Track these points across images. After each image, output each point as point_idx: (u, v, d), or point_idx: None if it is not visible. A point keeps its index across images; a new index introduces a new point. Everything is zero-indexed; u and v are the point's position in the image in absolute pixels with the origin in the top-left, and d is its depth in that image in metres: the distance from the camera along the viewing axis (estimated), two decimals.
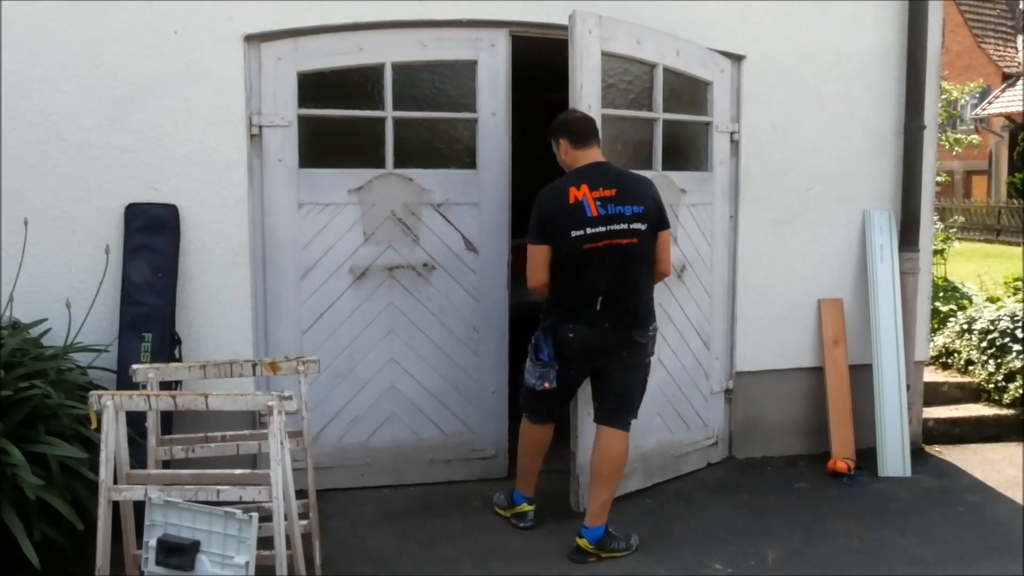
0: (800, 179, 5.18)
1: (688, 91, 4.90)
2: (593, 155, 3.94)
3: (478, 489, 4.71)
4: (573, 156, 3.95)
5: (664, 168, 4.71)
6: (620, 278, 3.84)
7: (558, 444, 4.37)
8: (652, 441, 4.73)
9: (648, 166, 4.65)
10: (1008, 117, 25.63)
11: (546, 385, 3.95)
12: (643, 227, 3.85)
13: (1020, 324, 6.10)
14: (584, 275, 3.82)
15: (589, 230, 3.78)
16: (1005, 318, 6.24)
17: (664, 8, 4.81)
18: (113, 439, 3.08)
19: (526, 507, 4.27)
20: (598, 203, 3.80)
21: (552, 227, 3.83)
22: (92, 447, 3.38)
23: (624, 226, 3.81)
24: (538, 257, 3.86)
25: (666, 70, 4.67)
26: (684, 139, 4.96)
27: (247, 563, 2.94)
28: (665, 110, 4.71)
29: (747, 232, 5.10)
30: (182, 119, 4.30)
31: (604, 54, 4.33)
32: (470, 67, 4.63)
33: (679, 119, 4.83)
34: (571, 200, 3.80)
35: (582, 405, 4.30)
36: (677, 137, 4.88)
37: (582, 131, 3.94)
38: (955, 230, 11.63)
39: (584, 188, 3.81)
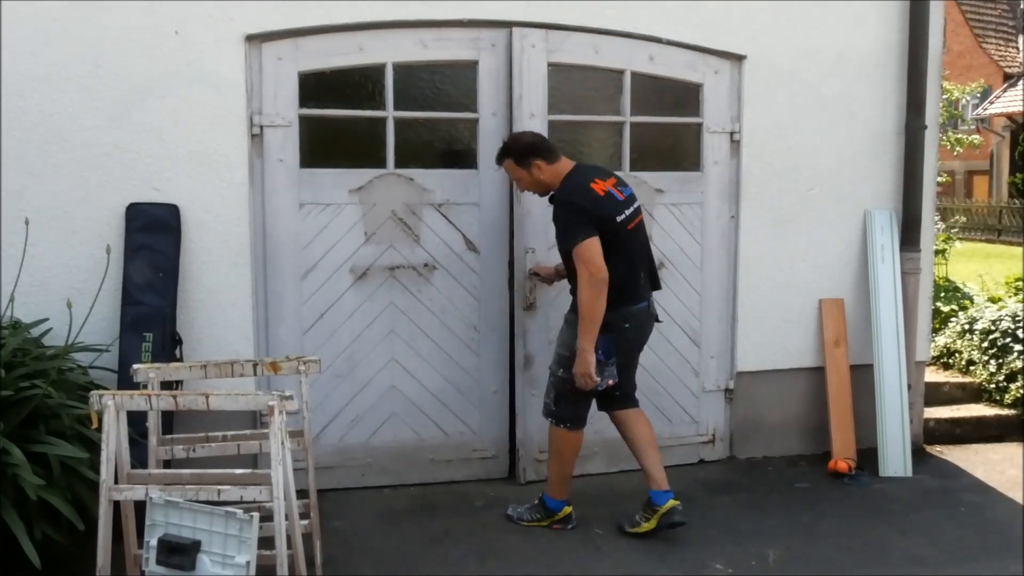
0: (801, 179, 5.17)
1: (673, 94, 4.97)
2: (567, 162, 4.12)
3: (479, 489, 4.71)
4: (551, 170, 4.06)
5: (638, 169, 4.87)
6: (647, 250, 4.20)
7: None
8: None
9: (617, 167, 4.80)
10: (1009, 117, 25.62)
11: (610, 382, 4.01)
12: (640, 204, 4.20)
13: (1021, 324, 6.09)
14: (630, 255, 4.01)
15: (626, 212, 4.01)
16: (1006, 318, 6.24)
17: (663, 9, 4.81)
18: (114, 439, 3.08)
19: (568, 509, 4.25)
20: (616, 188, 4.04)
21: (598, 215, 3.90)
22: (93, 447, 3.38)
23: (638, 204, 4.12)
24: (597, 248, 3.86)
25: (637, 75, 4.81)
26: (667, 140, 5.06)
27: (248, 563, 2.94)
28: (644, 113, 4.86)
29: (748, 232, 5.10)
30: (183, 119, 4.31)
31: (553, 65, 4.65)
32: (471, 67, 4.63)
33: (659, 121, 4.98)
34: (600, 192, 3.97)
35: (525, 386, 4.70)
36: (659, 138, 5.02)
37: (548, 146, 4.11)
38: (956, 230, 11.64)
39: (599, 181, 4.01)
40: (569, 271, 4.05)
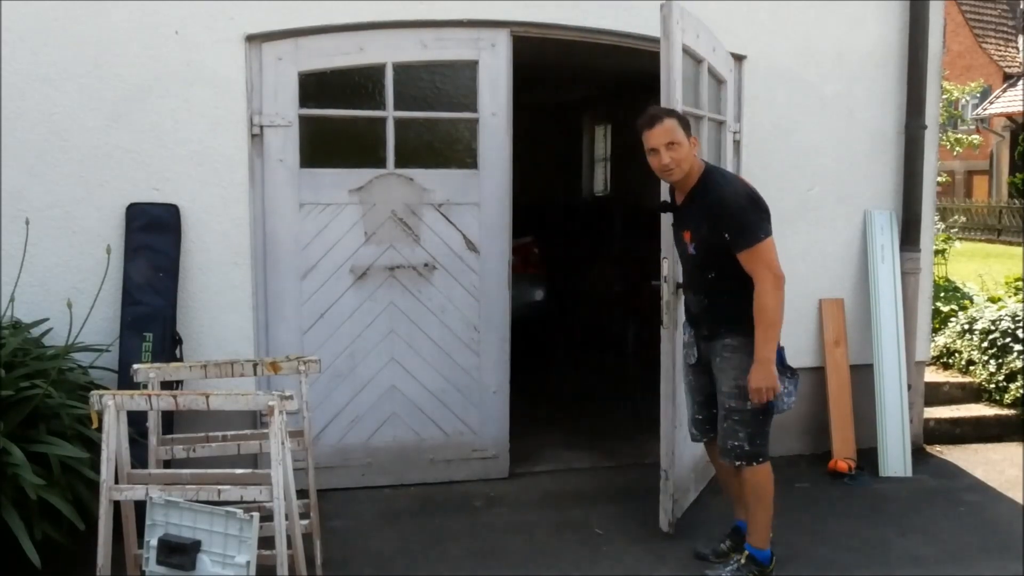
0: (801, 179, 5.17)
1: (710, 89, 4.79)
2: (700, 162, 3.65)
3: (479, 489, 4.71)
4: (695, 156, 3.59)
5: None
6: None
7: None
8: (699, 446, 4.19)
9: None
10: (1009, 117, 25.61)
11: (794, 400, 3.64)
12: None
13: (1021, 324, 6.09)
14: None
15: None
16: (1006, 318, 6.24)
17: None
18: (114, 439, 3.08)
19: (773, 558, 3.75)
20: None
21: (769, 214, 3.55)
22: (93, 447, 3.38)
23: None
24: (775, 248, 3.48)
25: (708, 67, 4.52)
26: (703, 138, 4.88)
27: (248, 563, 2.94)
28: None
29: None
30: (183, 119, 4.31)
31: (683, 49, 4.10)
32: (471, 67, 4.63)
33: (709, 116, 4.62)
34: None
35: (671, 418, 4.09)
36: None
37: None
38: (956, 230, 11.65)
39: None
40: (711, 281, 3.60)
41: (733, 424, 3.60)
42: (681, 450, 4.21)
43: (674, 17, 3.96)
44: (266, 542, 3.05)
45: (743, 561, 3.69)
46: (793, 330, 5.22)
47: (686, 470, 4.37)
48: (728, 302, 3.51)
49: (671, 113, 3.61)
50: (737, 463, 3.64)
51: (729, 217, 3.45)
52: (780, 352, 3.56)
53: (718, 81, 4.83)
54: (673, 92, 3.95)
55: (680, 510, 4.28)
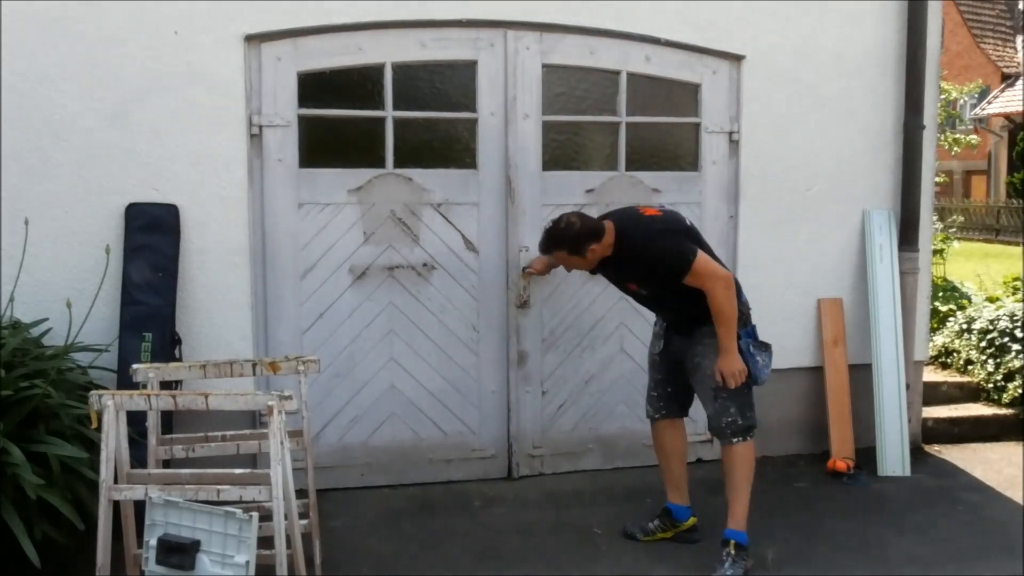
0: (800, 179, 5.18)
1: (671, 94, 4.98)
2: (609, 225, 3.87)
3: (478, 489, 4.71)
4: (603, 245, 3.83)
5: (635, 169, 4.90)
6: None
7: None
8: (615, 427, 5.00)
9: (613, 167, 4.85)
10: (1007, 117, 25.64)
11: (769, 371, 3.92)
12: None
13: (1019, 324, 6.10)
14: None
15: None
16: (1004, 318, 6.24)
17: (661, 9, 4.82)
18: (114, 439, 3.08)
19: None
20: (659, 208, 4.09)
21: (682, 227, 3.90)
22: (93, 447, 3.38)
23: None
24: (706, 255, 3.78)
25: (634, 75, 4.83)
26: (665, 140, 5.07)
27: (247, 562, 2.95)
28: (641, 113, 4.89)
29: (747, 232, 5.10)
30: (182, 119, 4.31)
31: (547, 66, 4.69)
32: (470, 67, 4.64)
33: (656, 121, 4.98)
34: (660, 212, 4.00)
35: (519, 383, 4.78)
36: (656, 138, 5.04)
37: (593, 224, 3.86)
38: (954, 230, 11.65)
39: (646, 208, 4.04)
40: (674, 299, 3.88)
41: (724, 402, 3.85)
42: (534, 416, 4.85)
43: (516, 43, 4.62)
44: (265, 542, 3.06)
45: (733, 552, 3.78)
46: (792, 329, 5.24)
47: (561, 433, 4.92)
48: (699, 307, 3.77)
49: (555, 247, 3.89)
50: (734, 440, 3.86)
51: (655, 262, 3.78)
52: (752, 330, 3.90)
53: (686, 85, 4.96)
54: (517, 108, 4.64)
55: (548, 467, 4.87)
